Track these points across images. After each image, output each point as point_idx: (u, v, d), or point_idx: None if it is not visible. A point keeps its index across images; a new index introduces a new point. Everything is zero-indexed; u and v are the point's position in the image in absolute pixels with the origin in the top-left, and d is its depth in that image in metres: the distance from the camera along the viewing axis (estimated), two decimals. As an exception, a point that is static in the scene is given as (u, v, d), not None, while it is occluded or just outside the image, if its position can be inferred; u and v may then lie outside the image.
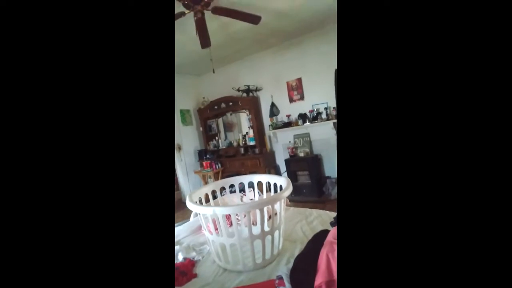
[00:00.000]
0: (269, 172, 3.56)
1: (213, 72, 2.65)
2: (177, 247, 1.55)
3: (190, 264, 1.36)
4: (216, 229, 1.29)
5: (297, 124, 3.39)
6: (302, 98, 3.50)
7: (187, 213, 2.84)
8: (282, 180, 1.56)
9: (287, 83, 3.57)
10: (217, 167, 3.96)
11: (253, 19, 2.02)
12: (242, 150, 3.98)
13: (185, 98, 4.21)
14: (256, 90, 3.82)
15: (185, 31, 2.46)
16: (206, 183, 4.08)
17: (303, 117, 3.35)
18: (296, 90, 3.54)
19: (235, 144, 4.10)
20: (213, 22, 2.32)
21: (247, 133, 3.94)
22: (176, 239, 1.70)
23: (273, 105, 3.65)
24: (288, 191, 1.30)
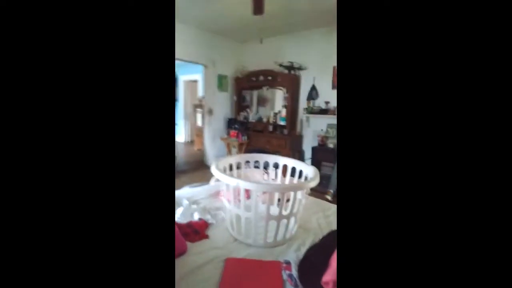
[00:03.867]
0: (293, 156, 3.51)
1: (261, 42, 2.53)
2: (194, 206, 1.63)
3: (204, 225, 1.42)
4: (235, 199, 1.32)
5: (334, 113, 3.22)
6: (346, 87, 3.28)
7: (206, 175, 2.95)
8: (309, 169, 1.51)
9: (334, 67, 3.34)
10: (243, 139, 3.99)
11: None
12: (270, 128, 3.94)
13: (225, 64, 4.16)
14: (300, 68, 3.62)
15: (241, -7, 2.34)
16: (229, 151, 4.16)
17: (342, 107, 3.17)
18: (341, 77, 3.32)
19: (265, 120, 4.05)
20: (272, -13, 2.17)
21: (279, 111, 3.86)
22: (195, 199, 1.78)
23: (313, 88, 3.48)
24: (315, 182, 1.26)
